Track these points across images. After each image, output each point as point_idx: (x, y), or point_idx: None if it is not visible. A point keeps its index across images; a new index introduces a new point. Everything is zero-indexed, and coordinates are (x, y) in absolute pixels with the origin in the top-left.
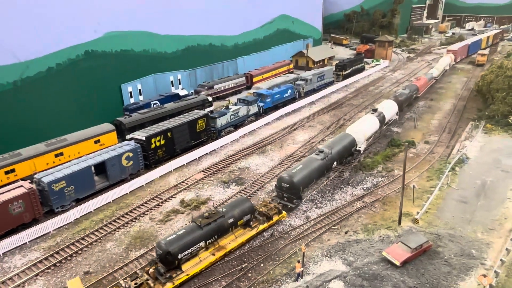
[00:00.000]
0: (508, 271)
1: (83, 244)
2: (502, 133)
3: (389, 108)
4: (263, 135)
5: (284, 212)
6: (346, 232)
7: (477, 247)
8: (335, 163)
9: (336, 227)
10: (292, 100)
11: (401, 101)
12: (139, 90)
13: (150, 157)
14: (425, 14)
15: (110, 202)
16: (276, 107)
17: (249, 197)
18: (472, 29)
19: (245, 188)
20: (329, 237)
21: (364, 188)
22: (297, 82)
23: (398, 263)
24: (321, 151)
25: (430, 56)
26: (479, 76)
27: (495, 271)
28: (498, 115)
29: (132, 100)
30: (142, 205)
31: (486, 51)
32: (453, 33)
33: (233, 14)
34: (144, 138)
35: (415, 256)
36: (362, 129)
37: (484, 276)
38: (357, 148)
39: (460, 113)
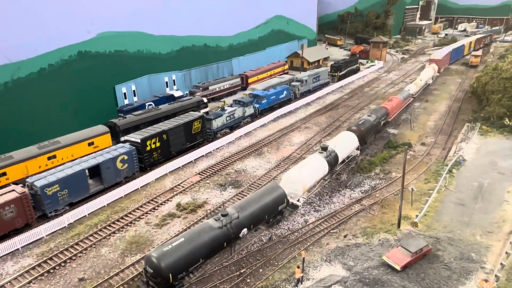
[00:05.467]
0: (508, 275)
1: (77, 250)
2: (497, 134)
3: (345, 144)
4: (259, 136)
5: None
6: (345, 236)
7: (476, 251)
8: (244, 230)
9: (335, 230)
10: (288, 101)
11: (364, 132)
12: (134, 91)
13: (145, 159)
14: (418, 15)
15: (104, 206)
16: (272, 108)
17: None
18: (465, 30)
19: (242, 191)
20: (328, 241)
21: (362, 191)
22: (293, 83)
23: (398, 268)
24: (224, 215)
25: (424, 57)
26: (473, 78)
27: (496, 275)
28: (494, 117)
29: (126, 102)
30: (137, 209)
31: (479, 53)
32: (446, 34)
33: (228, 15)
34: (139, 141)
35: (415, 260)
36: (301, 177)
37: (486, 281)
38: (294, 202)
39: (455, 115)
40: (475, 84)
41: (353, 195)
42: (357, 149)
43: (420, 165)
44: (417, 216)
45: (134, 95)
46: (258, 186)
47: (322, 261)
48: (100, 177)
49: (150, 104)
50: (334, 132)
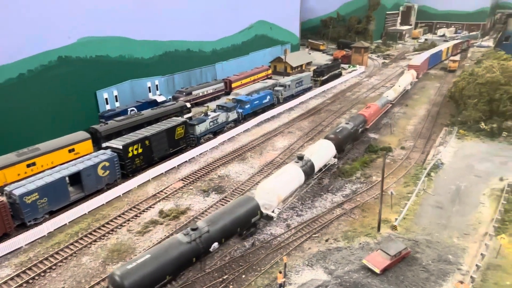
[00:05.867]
0: (483, 276)
1: (58, 259)
2: (474, 138)
3: (321, 152)
4: (242, 142)
5: None
6: (326, 240)
7: (453, 253)
8: (215, 244)
9: (316, 235)
10: (271, 106)
11: (341, 140)
12: (115, 96)
13: (127, 166)
14: (398, 21)
15: (85, 213)
16: (255, 113)
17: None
18: (444, 35)
19: (226, 197)
20: (310, 246)
21: (344, 195)
22: (276, 88)
23: (378, 271)
24: (194, 229)
25: (404, 61)
26: (451, 82)
27: (471, 277)
28: (470, 121)
29: (108, 107)
30: (119, 216)
31: (457, 58)
32: (426, 39)
33: (211, 20)
34: (121, 147)
35: (394, 263)
36: (275, 188)
37: (461, 282)
38: (268, 214)
39: (434, 119)
40: (452, 89)
41: (334, 199)
42: (334, 157)
43: (399, 169)
44: (396, 219)
45: (116, 101)
46: (241, 192)
47: (304, 266)
48: (81, 185)
49: (133, 110)
50: (317, 136)
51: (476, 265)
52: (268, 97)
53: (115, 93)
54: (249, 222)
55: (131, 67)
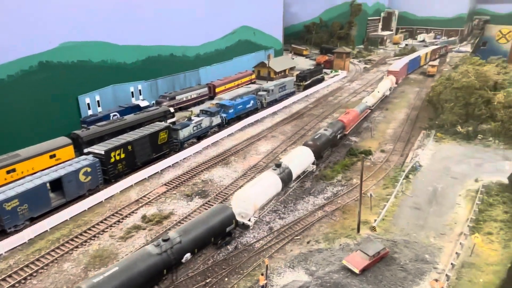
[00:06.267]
0: (458, 274)
1: (38, 266)
2: (451, 141)
3: (299, 159)
4: (226, 146)
5: None
6: (308, 242)
7: (430, 252)
8: (187, 255)
9: (298, 237)
10: (255, 110)
11: (320, 146)
12: (98, 101)
13: (109, 171)
14: (380, 26)
15: (67, 220)
16: (239, 118)
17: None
18: (423, 40)
19: (209, 201)
20: (292, 248)
21: (325, 197)
22: (260, 93)
23: (357, 271)
24: (165, 240)
25: (385, 66)
26: (430, 87)
27: (447, 275)
28: (447, 124)
29: (90, 112)
30: (101, 222)
31: (436, 62)
32: (406, 45)
33: (195, 25)
34: (103, 152)
35: (373, 263)
36: (252, 196)
37: (436, 280)
38: (244, 222)
39: (413, 122)
40: (431, 93)
41: (316, 201)
42: (313, 164)
43: (379, 171)
44: (375, 220)
45: (98, 106)
46: (225, 196)
47: (286, 268)
48: (62, 191)
49: (115, 115)
50: (300, 140)
51: (451, 263)
52: (252, 101)
53: (97, 98)
54: (223, 231)
55: (114, 72)
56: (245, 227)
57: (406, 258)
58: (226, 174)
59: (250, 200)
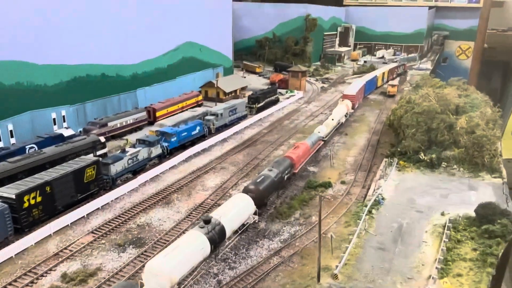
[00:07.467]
0: None
1: None
2: (414, 169)
3: (235, 211)
4: (168, 181)
5: None
6: None
7: None
8: None
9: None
10: (202, 137)
11: (262, 192)
12: (10, 131)
13: (22, 219)
14: (337, 42)
15: None
16: (183, 147)
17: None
18: (383, 57)
19: (146, 251)
20: None
21: (281, 240)
22: (207, 117)
23: None
24: None
25: (343, 86)
26: (390, 108)
27: None
28: (410, 151)
29: (1, 145)
30: (9, 284)
31: (396, 82)
32: (365, 62)
33: (131, 41)
34: (13, 196)
35: None
36: (167, 268)
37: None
38: None
39: (374, 149)
40: (391, 117)
41: (271, 245)
42: (255, 213)
43: (340, 206)
44: (337, 266)
45: (11, 137)
46: (165, 243)
47: None
48: None
49: (32, 147)
50: (252, 172)
51: None
52: (198, 127)
53: (10, 127)
54: None
55: (32, 96)
56: None
57: None
58: (167, 216)
59: (164, 273)
